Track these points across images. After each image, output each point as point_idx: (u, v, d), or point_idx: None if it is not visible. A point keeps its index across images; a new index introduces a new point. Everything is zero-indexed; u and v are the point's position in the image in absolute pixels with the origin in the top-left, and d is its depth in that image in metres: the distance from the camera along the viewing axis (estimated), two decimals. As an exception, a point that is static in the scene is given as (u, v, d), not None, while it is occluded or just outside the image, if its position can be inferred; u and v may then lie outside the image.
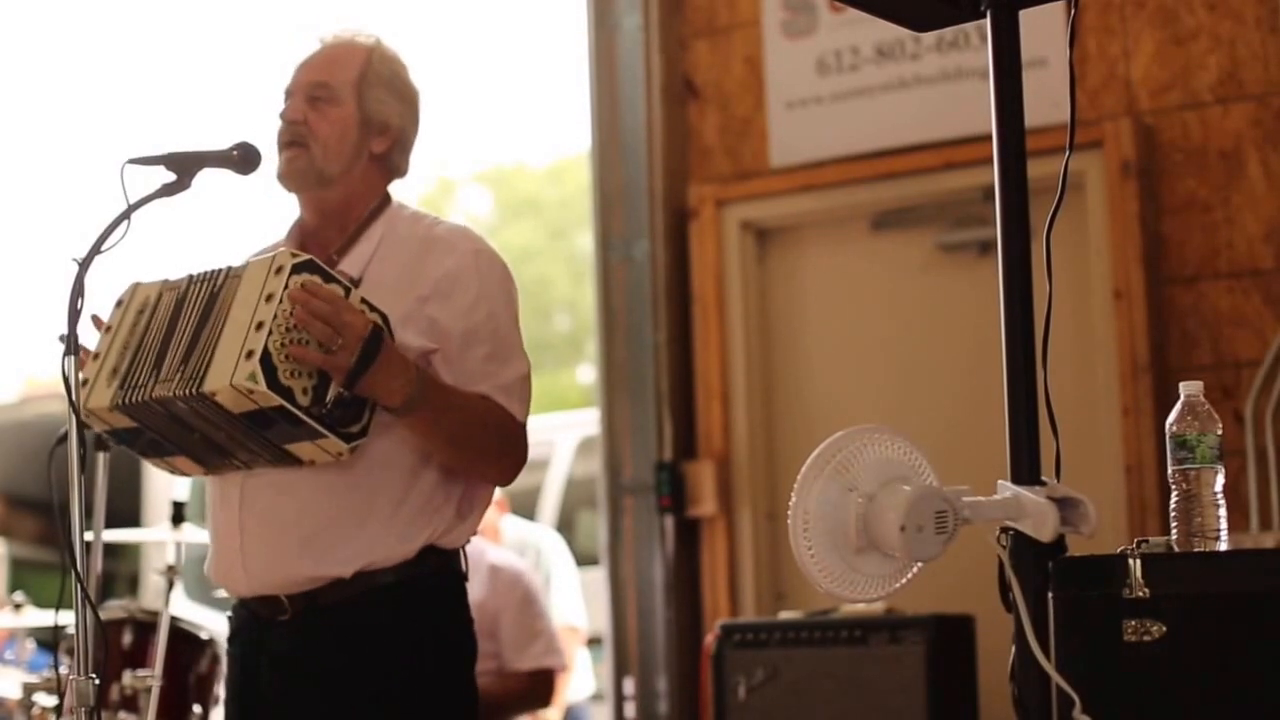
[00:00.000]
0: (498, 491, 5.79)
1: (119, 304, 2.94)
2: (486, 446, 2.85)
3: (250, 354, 2.61)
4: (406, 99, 3.02)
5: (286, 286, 2.65)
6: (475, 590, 3.06)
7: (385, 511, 2.84)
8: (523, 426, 2.89)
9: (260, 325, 2.63)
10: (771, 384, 5.68)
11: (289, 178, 2.96)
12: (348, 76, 2.95)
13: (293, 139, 2.94)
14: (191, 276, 2.86)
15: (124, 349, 2.86)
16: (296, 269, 2.67)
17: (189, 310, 2.80)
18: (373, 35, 3.03)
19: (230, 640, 3.02)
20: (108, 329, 2.91)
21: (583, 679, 6.36)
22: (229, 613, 3.04)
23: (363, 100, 2.95)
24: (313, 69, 2.98)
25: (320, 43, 3.02)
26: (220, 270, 2.82)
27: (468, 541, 2.97)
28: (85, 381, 2.83)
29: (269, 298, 2.65)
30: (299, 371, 2.64)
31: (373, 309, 2.72)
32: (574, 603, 6.17)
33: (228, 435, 2.75)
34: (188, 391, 2.68)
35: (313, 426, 2.67)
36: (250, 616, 2.93)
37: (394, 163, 3.02)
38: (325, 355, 2.63)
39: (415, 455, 2.84)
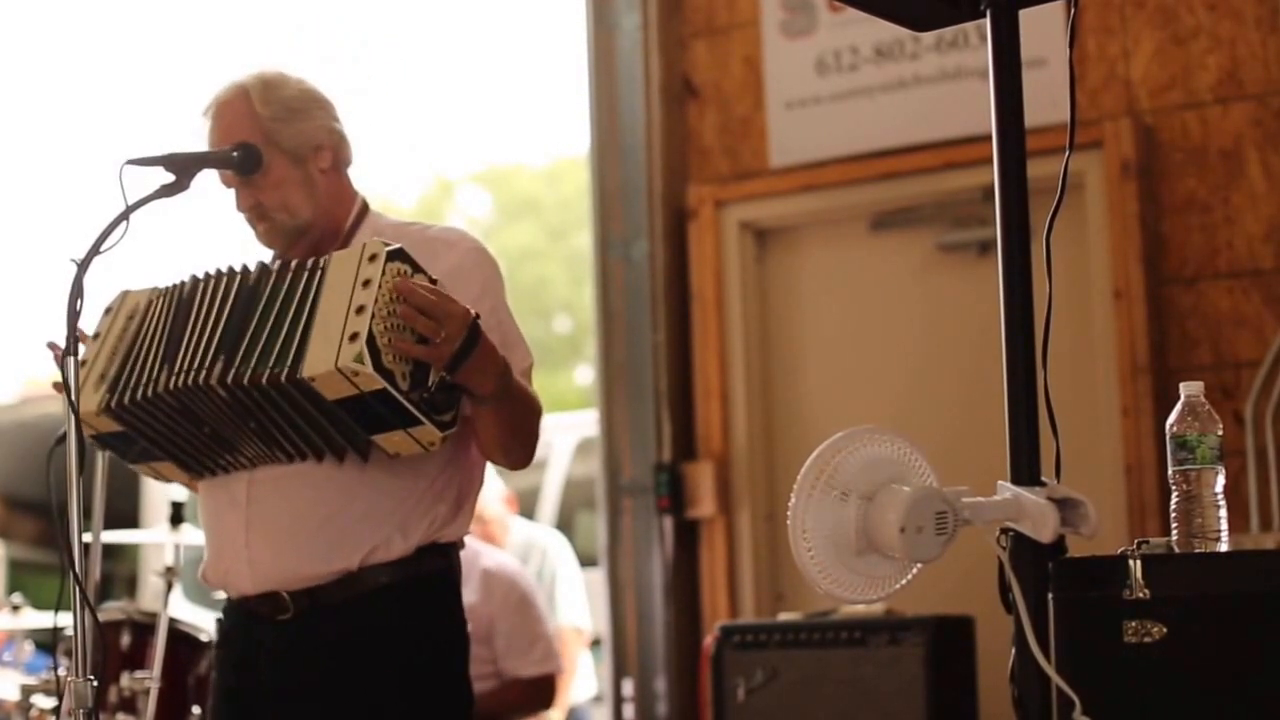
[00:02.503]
0: (507, 489, 5.84)
1: (108, 311, 2.94)
2: (530, 430, 2.93)
3: (354, 336, 2.59)
4: (308, 108, 3.00)
5: (384, 273, 2.64)
6: (468, 595, 3.07)
7: (391, 499, 2.87)
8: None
9: (361, 309, 2.61)
10: (771, 384, 5.67)
11: (273, 245, 3.00)
12: (252, 140, 2.94)
13: (256, 218, 2.98)
14: (195, 277, 2.86)
15: (112, 355, 2.86)
16: (391, 256, 2.67)
17: (206, 307, 2.79)
18: (235, 82, 3.00)
19: (221, 644, 3.03)
20: (96, 335, 2.91)
21: (585, 681, 6.36)
22: (218, 616, 3.05)
23: (279, 146, 2.95)
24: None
25: (205, 117, 3.00)
26: (242, 268, 2.82)
27: (464, 535, 2.99)
28: None
29: (366, 283, 2.64)
30: (400, 355, 2.63)
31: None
32: (579, 604, 6.17)
33: (257, 426, 2.74)
34: (263, 378, 2.65)
35: (410, 413, 2.65)
36: (247, 618, 2.94)
37: (342, 160, 3.04)
38: (427, 347, 2.63)
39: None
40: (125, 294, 2.94)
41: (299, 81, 3.03)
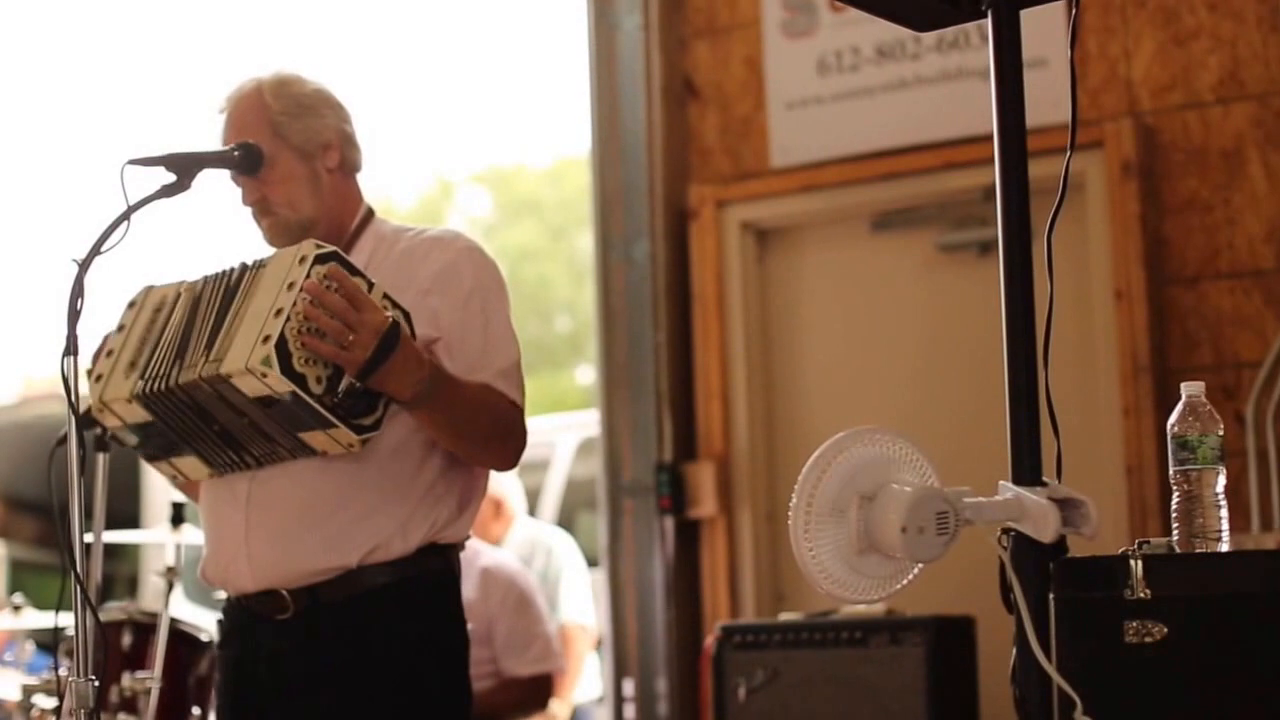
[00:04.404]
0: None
1: (131, 305, 2.97)
2: (490, 435, 2.91)
3: (267, 339, 2.63)
4: (321, 107, 3.04)
5: (309, 276, 2.67)
6: (466, 593, 3.08)
7: (391, 501, 2.88)
8: (522, 411, 2.95)
9: (279, 312, 2.66)
10: (771, 384, 5.67)
11: (277, 241, 3.01)
12: (263, 132, 2.98)
13: (261, 213, 3.01)
14: (206, 276, 2.90)
15: (141, 344, 2.89)
16: (320, 259, 2.70)
17: (207, 305, 2.84)
18: (252, 77, 3.04)
19: (222, 643, 3.04)
20: (121, 327, 2.94)
21: (591, 681, 6.34)
22: (220, 616, 3.05)
23: (288, 142, 2.98)
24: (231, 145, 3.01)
25: (220, 113, 3.04)
26: (235, 267, 2.85)
27: (466, 539, 3.00)
28: (99, 377, 2.87)
29: (290, 285, 2.68)
30: (314, 360, 2.66)
31: (395, 305, 2.75)
32: (585, 603, 6.15)
33: (250, 423, 2.77)
34: (208, 374, 2.70)
35: (324, 415, 2.69)
36: (248, 617, 2.94)
37: (352, 162, 3.07)
38: (338, 349, 2.65)
39: (421, 445, 2.90)
40: (150, 289, 2.98)
41: (315, 82, 3.07)
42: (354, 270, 2.73)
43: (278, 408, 2.70)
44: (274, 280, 2.72)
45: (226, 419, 2.80)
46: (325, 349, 2.65)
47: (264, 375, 2.63)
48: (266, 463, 2.86)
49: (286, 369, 2.63)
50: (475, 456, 2.95)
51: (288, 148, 2.98)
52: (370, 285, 2.73)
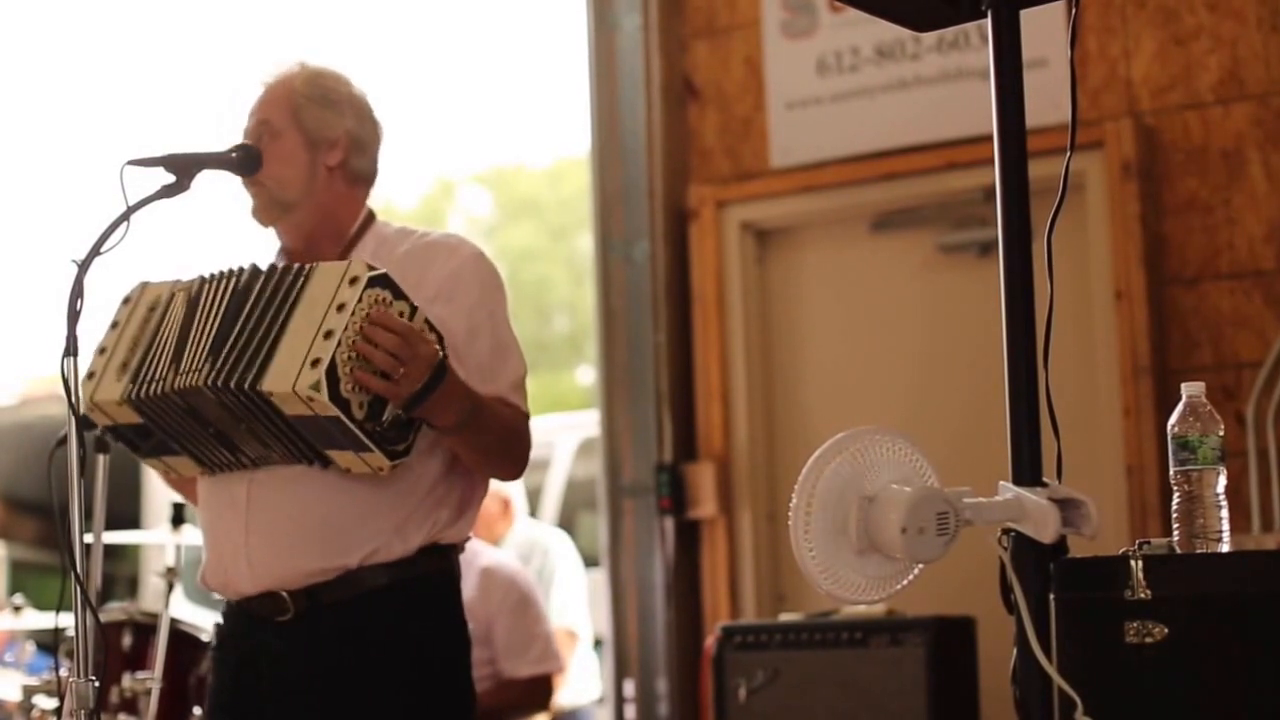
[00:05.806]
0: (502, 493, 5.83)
1: (126, 301, 2.96)
2: (509, 450, 2.96)
3: (316, 362, 2.62)
4: (345, 108, 3.06)
5: (360, 299, 2.66)
6: (467, 593, 3.08)
7: (391, 502, 2.89)
8: (529, 420, 2.98)
9: (329, 334, 2.64)
10: (771, 385, 5.67)
11: (255, 213, 3.04)
12: (282, 108, 3.01)
13: (250, 181, 3.02)
14: (203, 277, 2.88)
15: (134, 344, 2.87)
16: (372, 282, 2.69)
17: (208, 309, 2.82)
18: (299, 61, 3.08)
19: (219, 646, 3.03)
20: (114, 324, 2.93)
21: (590, 682, 6.34)
22: (217, 620, 3.05)
23: (301, 124, 3.01)
24: (253, 112, 3.04)
25: (260, 84, 3.08)
26: (241, 270, 2.84)
27: (466, 540, 3.01)
28: (91, 375, 2.86)
29: (340, 307, 2.66)
30: (359, 386, 2.66)
31: (432, 329, 2.75)
32: (576, 607, 6.15)
33: (248, 429, 2.76)
34: (232, 384, 2.69)
35: (362, 440, 2.69)
36: (247, 619, 2.94)
37: (356, 169, 3.07)
38: (387, 384, 2.65)
39: (421, 450, 2.88)
40: (145, 285, 2.97)
41: (358, 89, 3.09)
42: (400, 294, 2.73)
43: (313, 427, 2.69)
44: (321, 298, 2.70)
45: (224, 424, 2.79)
46: (376, 384, 2.66)
47: (310, 399, 2.62)
48: (261, 464, 2.86)
49: (334, 395, 2.62)
50: (489, 468, 3.00)
51: (297, 129, 3.00)
52: (414, 309, 2.73)
